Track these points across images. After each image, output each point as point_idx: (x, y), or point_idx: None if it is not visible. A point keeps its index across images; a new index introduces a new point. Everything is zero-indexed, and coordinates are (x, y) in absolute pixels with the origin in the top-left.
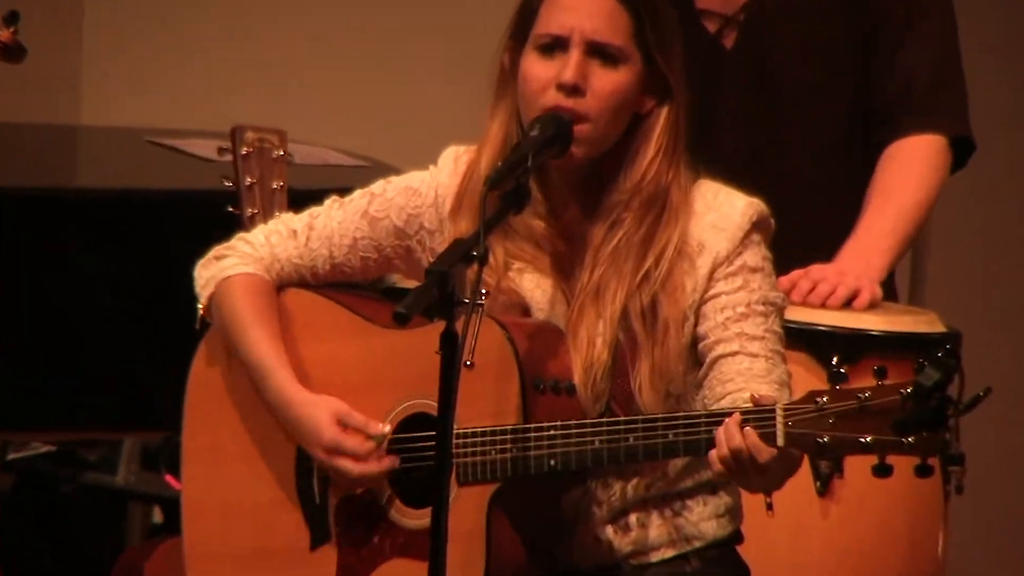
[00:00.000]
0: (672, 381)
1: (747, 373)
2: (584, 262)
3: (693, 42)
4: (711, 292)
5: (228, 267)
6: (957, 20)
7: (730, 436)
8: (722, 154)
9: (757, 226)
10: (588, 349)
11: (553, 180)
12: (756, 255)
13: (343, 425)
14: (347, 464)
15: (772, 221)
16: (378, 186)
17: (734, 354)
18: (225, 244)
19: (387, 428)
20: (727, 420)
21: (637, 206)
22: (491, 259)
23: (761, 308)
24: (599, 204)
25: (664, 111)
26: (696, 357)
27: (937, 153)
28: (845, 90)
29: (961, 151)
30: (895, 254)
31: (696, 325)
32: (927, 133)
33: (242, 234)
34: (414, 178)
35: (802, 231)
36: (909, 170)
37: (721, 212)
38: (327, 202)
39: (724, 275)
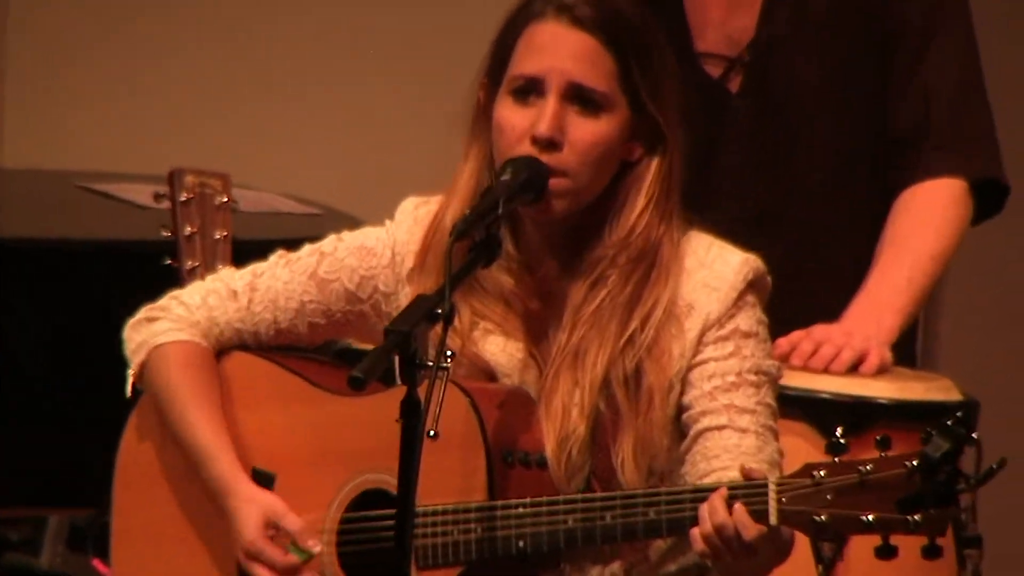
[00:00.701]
0: (656, 457)
1: (735, 450)
2: (561, 323)
3: (694, 87)
4: (699, 357)
5: (161, 332)
6: (977, 40)
7: (714, 511)
8: (728, 203)
9: (752, 286)
10: (563, 420)
11: (528, 231)
12: (750, 319)
13: (274, 528)
14: (261, 573)
15: (769, 279)
16: (328, 244)
17: (721, 428)
18: (158, 304)
19: (317, 548)
20: (712, 495)
21: (624, 262)
22: (456, 321)
23: (753, 378)
24: (580, 259)
25: (655, 160)
26: (680, 429)
27: (957, 200)
28: (863, 127)
29: (990, 192)
30: (908, 312)
31: (681, 393)
32: (946, 176)
33: (176, 293)
34: (368, 236)
35: (815, 281)
36: (926, 219)
37: (713, 270)
38: (272, 258)
39: (714, 339)
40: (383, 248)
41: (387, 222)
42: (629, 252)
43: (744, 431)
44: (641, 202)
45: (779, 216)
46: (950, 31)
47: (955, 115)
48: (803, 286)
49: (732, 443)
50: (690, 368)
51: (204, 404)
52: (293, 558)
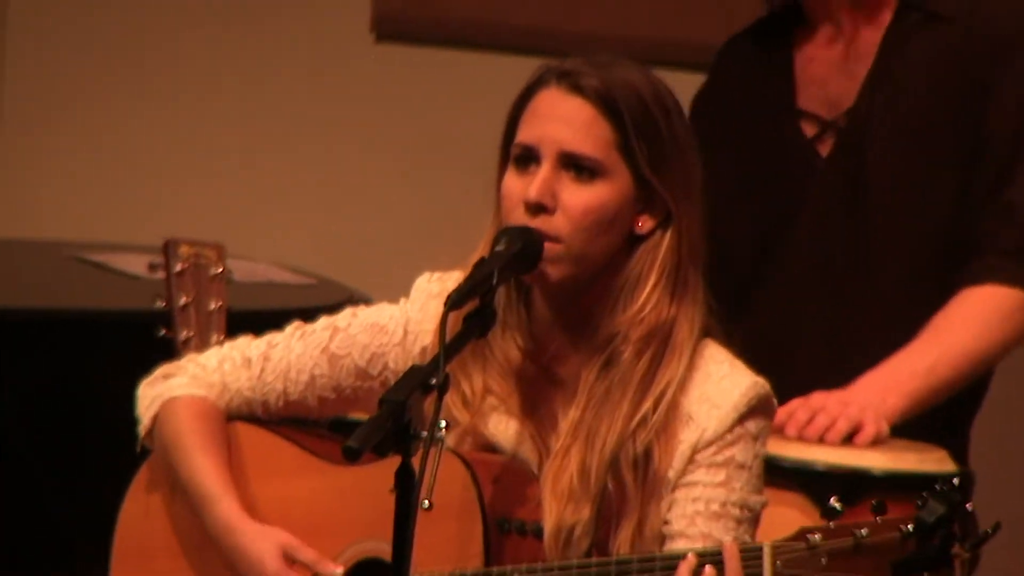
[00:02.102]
0: (652, 542)
1: None
2: (574, 401)
3: (784, 142)
4: (690, 477)
5: (176, 387)
6: None
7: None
8: (802, 264)
9: (754, 411)
10: (569, 501)
11: (538, 306)
12: (748, 451)
13: (291, 560)
14: None
15: (774, 406)
16: (343, 319)
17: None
18: (175, 363)
19: (339, 570)
20: (680, 563)
21: (636, 339)
22: (468, 392)
23: (737, 512)
24: (592, 335)
25: (668, 234)
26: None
27: (1016, 309)
28: (944, 214)
29: None
30: (920, 398)
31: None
32: (1009, 285)
33: (193, 355)
34: (383, 313)
35: (874, 351)
36: (973, 317)
37: (720, 387)
38: (288, 329)
39: (708, 463)
40: (396, 326)
41: (402, 300)
42: (642, 329)
43: (716, 555)
44: (652, 278)
45: (849, 289)
46: None
47: None
48: (865, 368)
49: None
50: (677, 485)
51: (211, 451)
52: None
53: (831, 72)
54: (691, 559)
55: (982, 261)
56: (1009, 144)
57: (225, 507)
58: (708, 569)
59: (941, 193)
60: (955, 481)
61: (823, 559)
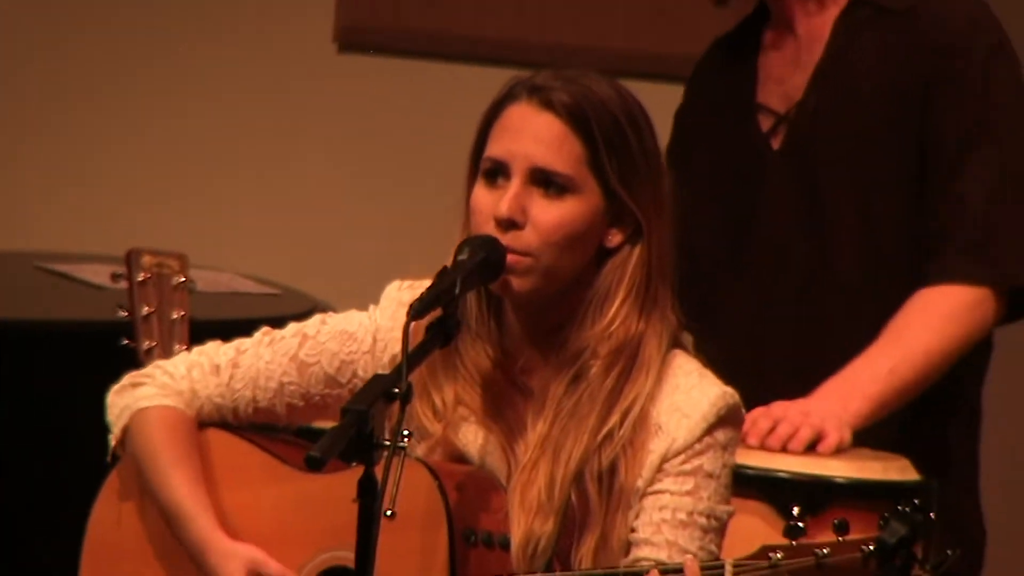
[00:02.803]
0: (615, 556)
1: None
2: (542, 414)
3: (743, 139)
4: (658, 486)
5: (145, 397)
6: None
7: None
8: (761, 265)
9: (723, 421)
10: (536, 514)
11: (509, 319)
12: (716, 461)
13: (256, 574)
14: None
15: (743, 415)
16: (312, 326)
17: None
18: (142, 371)
19: None
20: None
21: (605, 353)
22: (439, 403)
23: (703, 521)
24: (561, 349)
25: (637, 248)
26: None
27: (972, 305)
28: (897, 207)
29: (1018, 298)
30: (883, 401)
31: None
32: (966, 283)
33: (160, 362)
34: (352, 320)
35: (840, 357)
36: (931, 316)
37: (690, 396)
38: (257, 335)
39: (676, 472)
40: (364, 334)
41: (372, 307)
42: (611, 343)
43: (678, 572)
44: (622, 292)
45: (809, 280)
46: (992, 141)
47: (986, 223)
48: (829, 365)
49: None
50: (645, 493)
51: (185, 466)
52: None
53: (786, 67)
54: (654, 574)
55: (937, 261)
56: (957, 139)
57: (199, 525)
58: None
59: (893, 185)
60: (916, 501)
61: None
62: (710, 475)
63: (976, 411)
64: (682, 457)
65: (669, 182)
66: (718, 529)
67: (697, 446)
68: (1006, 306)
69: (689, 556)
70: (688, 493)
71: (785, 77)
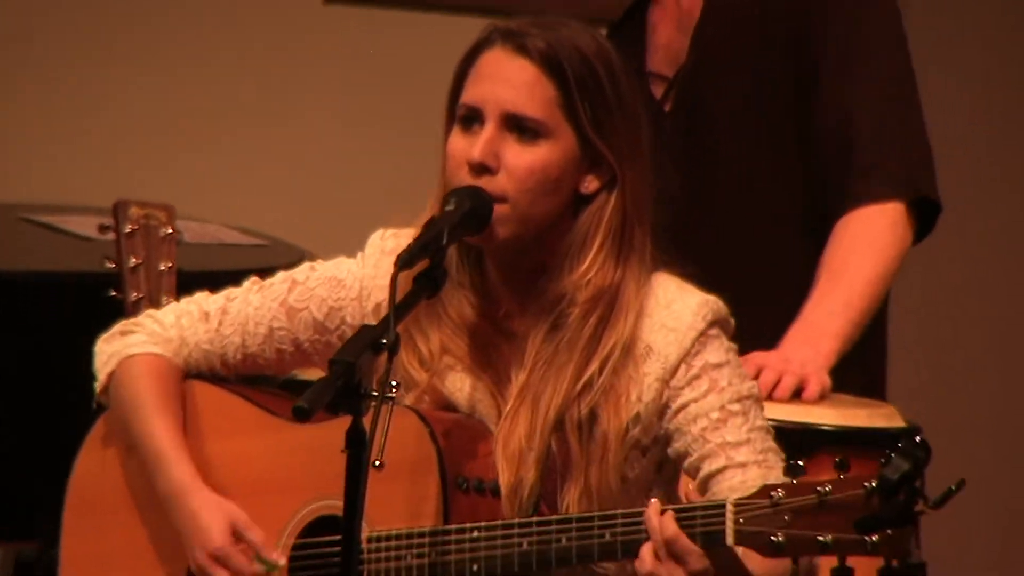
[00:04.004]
0: (606, 501)
1: (742, 488)
2: (521, 362)
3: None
4: (678, 403)
5: (133, 344)
6: (911, 52)
7: (664, 528)
8: (661, 232)
9: (712, 325)
10: (519, 463)
11: (488, 268)
12: (718, 350)
13: (237, 537)
14: None
15: (731, 320)
16: (301, 272)
17: (723, 470)
18: (132, 320)
19: (282, 560)
20: (666, 514)
21: (583, 300)
22: (425, 351)
23: (737, 407)
24: (540, 295)
25: (613, 195)
26: (637, 475)
27: (893, 222)
28: (786, 155)
29: (926, 211)
30: (847, 335)
31: (671, 442)
32: (878, 201)
33: (151, 311)
34: (340, 267)
35: (742, 311)
36: (862, 243)
37: (672, 311)
38: (246, 284)
39: (687, 380)
40: (353, 280)
41: (359, 254)
42: (588, 290)
43: (744, 465)
44: (598, 239)
45: (705, 238)
46: (873, 52)
47: (879, 142)
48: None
49: (737, 481)
50: (669, 414)
51: (167, 413)
52: (259, 568)
53: (672, 33)
54: (653, 511)
55: (842, 189)
56: (838, 56)
57: (179, 471)
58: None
59: (780, 131)
60: (918, 438)
61: (786, 516)
62: (718, 365)
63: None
64: (683, 368)
65: (646, 131)
66: (753, 405)
67: (692, 351)
68: (916, 221)
69: (654, 501)
70: (708, 391)
71: (672, 43)
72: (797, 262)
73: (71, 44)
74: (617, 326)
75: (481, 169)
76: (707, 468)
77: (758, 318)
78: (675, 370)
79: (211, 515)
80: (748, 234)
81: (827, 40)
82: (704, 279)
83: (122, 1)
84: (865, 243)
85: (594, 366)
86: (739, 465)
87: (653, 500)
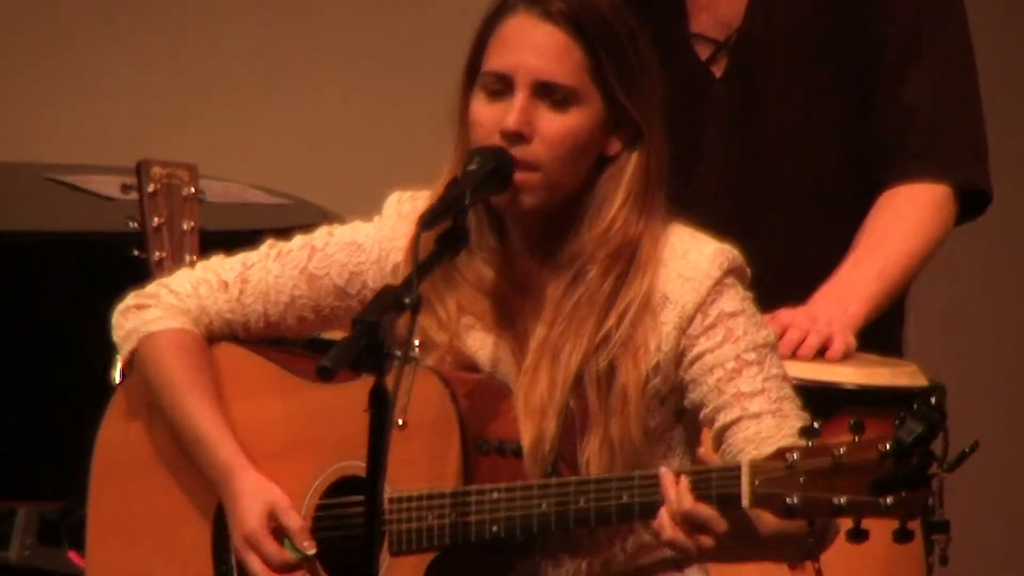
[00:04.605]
0: (630, 454)
1: (756, 439)
2: (541, 317)
3: (682, 68)
4: (694, 352)
5: (152, 320)
6: (973, 45)
7: (680, 499)
8: (704, 188)
9: (728, 273)
10: (541, 417)
11: (508, 226)
12: (733, 299)
13: (274, 521)
14: (255, 564)
15: (747, 268)
16: (320, 238)
17: (737, 421)
18: (146, 291)
19: (312, 550)
20: (680, 480)
21: (603, 257)
22: (442, 314)
23: (752, 356)
24: (560, 254)
25: (635, 155)
26: (660, 426)
27: (939, 203)
28: (839, 126)
29: (974, 199)
30: (877, 303)
31: (687, 392)
32: (928, 181)
33: (164, 280)
34: (358, 231)
35: (786, 275)
36: (905, 215)
37: (688, 260)
38: (263, 248)
39: (703, 330)
40: (372, 244)
41: (376, 217)
42: (608, 247)
43: (758, 416)
44: (620, 197)
45: (754, 206)
46: (935, 46)
47: (938, 128)
48: (775, 283)
49: (751, 432)
50: (685, 364)
51: (201, 391)
52: (288, 555)
53: None
54: (667, 477)
55: (895, 166)
56: (901, 48)
57: (224, 452)
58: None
59: (836, 103)
60: (932, 400)
61: (801, 478)
62: (733, 314)
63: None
64: (699, 316)
65: (661, 88)
66: (771, 353)
67: (708, 299)
68: (962, 204)
69: (757, 386)
70: (723, 341)
71: (719, 3)
72: (846, 235)
73: (95, 8)
74: (635, 282)
75: (516, 138)
76: (722, 420)
77: (804, 288)
78: (692, 319)
79: (252, 499)
80: (798, 205)
81: (893, 18)
82: (751, 246)
83: None
84: (909, 217)
85: (612, 320)
86: (753, 416)
87: (664, 469)
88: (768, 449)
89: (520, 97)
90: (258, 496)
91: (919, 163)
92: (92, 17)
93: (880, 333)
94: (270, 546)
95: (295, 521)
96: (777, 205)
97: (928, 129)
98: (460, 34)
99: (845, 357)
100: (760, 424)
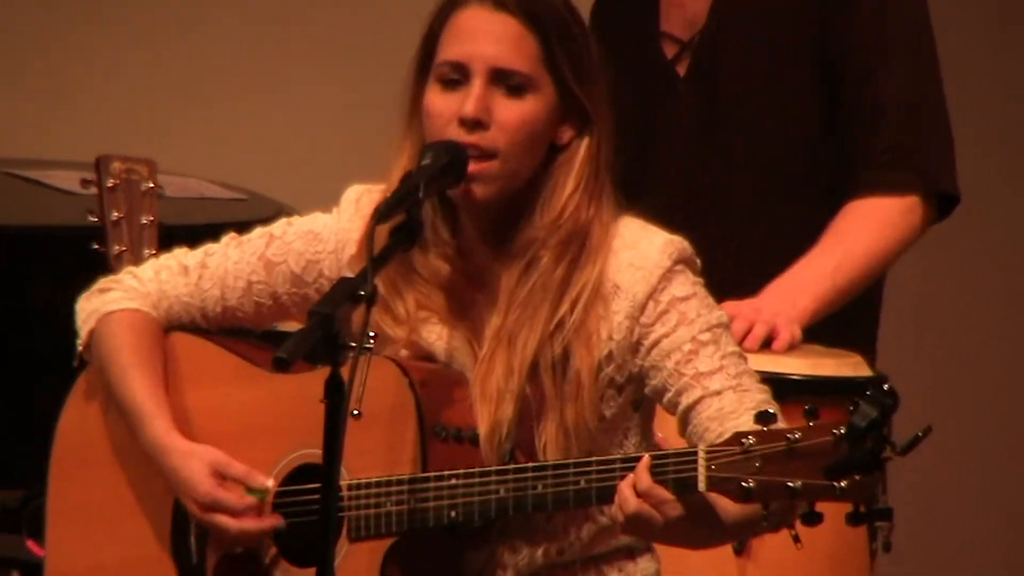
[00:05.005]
0: (586, 439)
1: (719, 416)
2: (496, 306)
3: (648, 65)
4: (650, 339)
5: (112, 301)
6: (936, 46)
7: (640, 480)
8: (665, 184)
9: (678, 263)
10: (497, 403)
11: (461, 217)
12: (683, 284)
13: (221, 477)
14: (224, 521)
15: (696, 259)
16: (279, 227)
17: (700, 400)
18: (112, 277)
19: (270, 482)
20: (637, 466)
21: (555, 244)
22: (400, 310)
23: (707, 336)
24: (512, 243)
25: (584, 142)
26: (614, 413)
27: (906, 209)
28: (801, 127)
29: (941, 201)
30: (828, 301)
31: (648, 380)
32: (897, 191)
33: (131, 268)
34: (317, 221)
35: (740, 270)
36: (869, 219)
37: (639, 250)
38: (224, 239)
39: (656, 316)
40: (329, 234)
41: (334, 209)
42: (560, 234)
43: (719, 393)
44: (571, 184)
45: (712, 202)
46: (898, 53)
47: (902, 134)
48: (728, 277)
49: (714, 410)
50: (639, 352)
51: (146, 368)
52: (251, 499)
53: None
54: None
55: (862, 175)
56: (868, 49)
57: (157, 426)
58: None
59: (798, 104)
60: (886, 386)
61: (757, 462)
62: (685, 298)
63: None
64: (651, 304)
65: (607, 79)
66: (724, 332)
67: (659, 287)
68: (934, 208)
69: (715, 365)
70: (678, 324)
71: (688, 4)
72: (807, 234)
73: (57, 6)
74: (587, 267)
75: (475, 125)
76: (684, 401)
77: (757, 284)
78: (643, 307)
79: (191, 465)
80: (760, 204)
81: (857, 22)
82: (714, 243)
83: None
84: (875, 221)
85: (566, 306)
86: (714, 393)
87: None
88: (732, 424)
89: (477, 84)
90: (195, 459)
91: (885, 172)
92: (53, 14)
93: (851, 327)
94: (229, 498)
95: (239, 467)
96: (735, 203)
97: (896, 132)
98: (415, 31)
99: (791, 349)
100: (722, 400)
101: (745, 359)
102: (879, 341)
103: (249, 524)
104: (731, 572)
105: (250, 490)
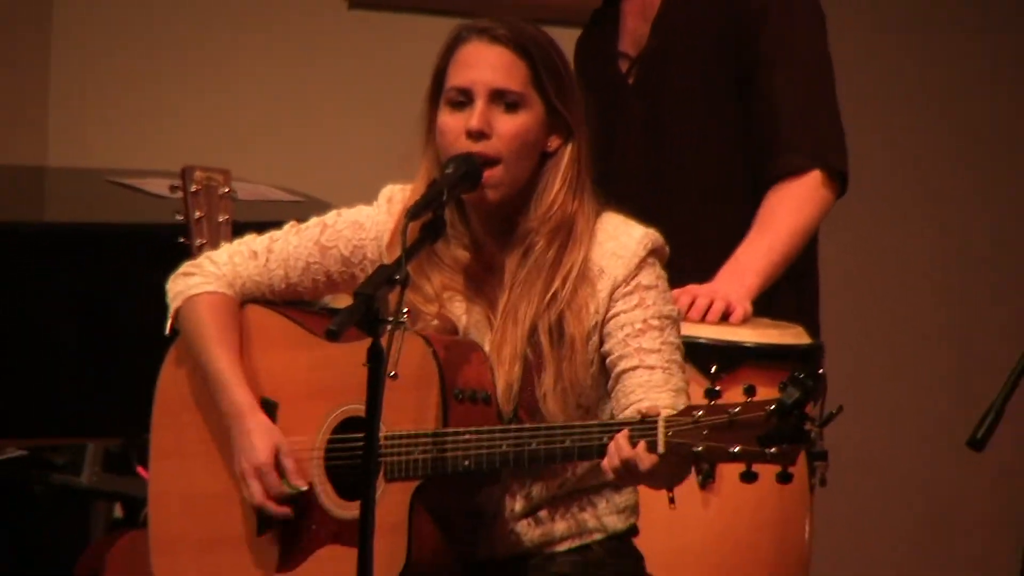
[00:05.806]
0: (581, 394)
1: (647, 385)
2: (503, 286)
3: (608, 80)
4: (612, 312)
5: (194, 285)
6: (830, 53)
7: (619, 447)
8: (621, 184)
9: (652, 252)
10: (509, 366)
11: (472, 218)
12: (650, 275)
13: (277, 459)
14: (257, 489)
15: (667, 249)
16: (331, 217)
17: (634, 368)
18: (194, 261)
19: (304, 487)
20: (617, 435)
21: (546, 232)
22: (428, 289)
23: (656, 322)
24: (514, 234)
25: (568, 148)
26: (604, 374)
27: (813, 186)
28: (732, 128)
29: (842, 179)
30: (768, 275)
31: (602, 344)
32: (800, 172)
33: (209, 253)
34: (361, 213)
35: (689, 258)
36: (786, 201)
37: (619, 241)
38: (286, 227)
39: (622, 295)
40: (371, 224)
41: (374, 203)
42: (550, 224)
43: (652, 368)
44: (558, 183)
45: (660, 200)
46: (795, 57)
47: (801, 124)
48: (678, 266)
49: (644, 379)
50: (606, 322)
51: (225, 343)
52: (286, 489)
53: (637, 19)
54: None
55: (772, 163)
56: (769, 56)
57: (238, 394)
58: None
59: (728, 108)
60: (810, 370)
61: (704, 431)
62: (648, 287)
63: (815, 289)
64: (623, 285)
65: (584, 98)
66: (672, 325)
67: (634, 272)
68: (837, 184)
69: (656, 346)
70: (636, 306)
71: (637, 27)
72: (739, 227)
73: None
74: (574, 250)
75: (479, 135)
76: (623, 365)
77: (705, 270)
78: (619, 287)
79: (261, 437)
80: (696, 201)
81: (761, 39)
82: (668, 236)
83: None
84: (793, 200)
85: (558, 281)
86: (648, 367)
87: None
88: (655, 396)
89: (480, 104)
90: (268, 436)
91: (787, 158)
92: (155, 50)
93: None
94: (273, 478)
95: (293, 463)
96: (679, 199)
97: (791, 123)
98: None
99: (744, 321)
100: (652, 375)
101: (681, 351)
102: (821, 312)
103: (269, 505)
104: (696, 501)
105: (288, 483)
